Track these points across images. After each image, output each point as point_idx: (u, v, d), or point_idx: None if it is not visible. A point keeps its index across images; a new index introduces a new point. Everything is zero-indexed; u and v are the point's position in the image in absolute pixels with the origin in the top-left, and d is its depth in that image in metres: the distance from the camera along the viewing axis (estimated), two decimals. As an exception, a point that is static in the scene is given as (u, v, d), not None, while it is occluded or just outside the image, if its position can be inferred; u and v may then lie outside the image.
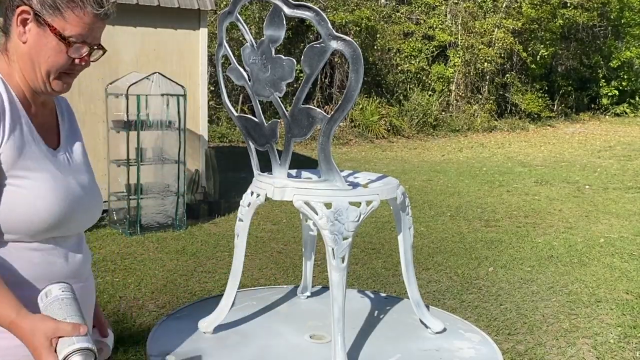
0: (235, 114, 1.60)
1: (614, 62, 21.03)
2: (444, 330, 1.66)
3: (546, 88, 20.21)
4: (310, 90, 10.73)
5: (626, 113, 21.73)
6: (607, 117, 21.33)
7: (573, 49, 21.18)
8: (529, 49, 18.88)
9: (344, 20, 14.85)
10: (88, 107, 6.73)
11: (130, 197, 6.35)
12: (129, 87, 6.16)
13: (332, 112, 1.38)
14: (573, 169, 11.41)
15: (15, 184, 1.25)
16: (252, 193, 1.54)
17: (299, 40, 14.86)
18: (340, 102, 1.35)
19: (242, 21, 1.51)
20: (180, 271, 5.18)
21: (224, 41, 1.57)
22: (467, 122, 17.05)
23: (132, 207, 6.36)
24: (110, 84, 6.55)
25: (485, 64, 17.53)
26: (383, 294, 2.00)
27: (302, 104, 1.40)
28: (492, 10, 18.15)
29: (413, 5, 18.19)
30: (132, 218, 6.33)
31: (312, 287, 1.95)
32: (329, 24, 1.31)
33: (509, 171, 11.02)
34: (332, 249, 1.42)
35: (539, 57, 19.22)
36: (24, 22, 1.26)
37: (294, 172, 1.63)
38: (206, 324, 1.59)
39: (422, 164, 11.82)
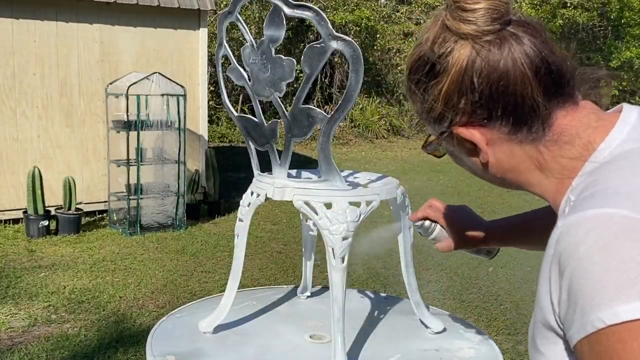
0: (235, 114, 1.60)
1: (614, 62, 21.03)
2: (444, 330, 1.66)
3: (546, 88, 20.19)
4: (310, 90, 10.72)
5: (626, 113, 21.70)
6: (607, 117, 21.31)
7: (573, 49, 21.17)
8: (529, 49, 18.86)
9: (344, 20, 14.85)
10: (88, 107, 6.73)
11: (130, 197, 6.35)
12: (129, 87, 6.16)
13: (332, 112, 1.38)
14: (573, 169, 11.40)
15: None
16: (252, 193, 1.54)
17: (299, 40, 14.86)
18: (340, 102, 1.35)
19: (242, 21, 1.51)
20: (180, 271, 5.18)
21: (224, 41, 1.57)
22: (467, 122, 17.04)
23: (132, 207, 6.36)
24: (110, 84, 6.55)
25: (485, 64, 17.51)
26: (383, 294, 2.00)
27: (302, 104, 1.40)
28: (492, 10, 18.12)
29: (413, 5, 18.18)
30: (132, 218, 6.33)
31: (312, 287, 1.95)
32: (329, 24, 1.30)
33: (509, 171, 11.02)
34: (332, 249, 1.42)
35: (539, 57, 19.19)
36: None
37: (294, 172, 1.63)
38: (206, 324, 1.59)
39: (422, 164, 11.82)
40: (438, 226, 1.35)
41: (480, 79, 0.81)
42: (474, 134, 0.85)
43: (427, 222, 1.36)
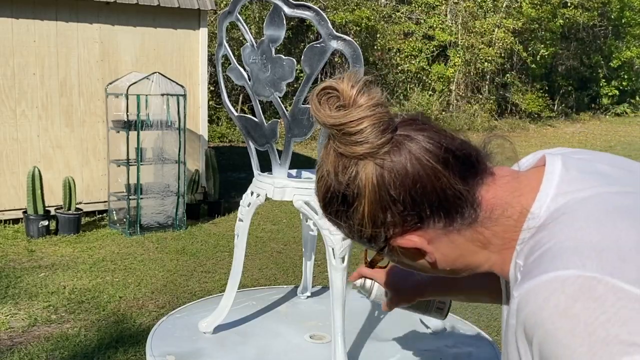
0: (235, 114, 1.60)
1: (614, 61, 21.04)
2: (444, 330, 1.66)
3: (546, 88, 20.21)
4: (310, 90, 10.65)
5: (626, 113, 21.75)
6: (607, 117, 21.33)
7: (573, 48, 21.18)
8: (529, 49, 18.88)
9: (344, 20, 14.85)
10: (88, 107, 6.73)
11: (130, 197, 6.35)
12: (129, 87, 6.16)
13: (332, 112, 1.37)
14: (573, 168, 11.39)
15: None
16: (252, 193, 1.54)
17: (299, 40, 14.86)
18: (340, 102, 1.35)
19: (242, 21, 1.50)
20: (180, 271, 5.18)
21: (224, 41, 1.57)
22: (467, 121, 17.05)
23: (132, 207, 6.36)
24: (110, 84, 6.55)
25: (486, 63, 17.54)
26: (383, 294, 2.00)
27: (302, 104, 1.40)
28: (492, 10, 18.15)
29: (413, 5, 18.18)
30: (132, 218, 6.33)
31: (312, 287, 1.94)
32: (329, 24, 1.30)
33: (509, 171, 11.01)
34: (332, 249, 1.42)
35: (539, 57, 19.21)
36: None
37: (294, 172, 1.63)
38: (206, 324, 1.59)
39: (422, 163, 11.79)
40: (376, 284, 1.33)
41: (397, 190, 0.81)
42: (413, 241, 0.84)
43: (367, 282, 1.33)
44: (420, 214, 0.82)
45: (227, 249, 5.80)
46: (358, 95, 0.80)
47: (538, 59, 19.25)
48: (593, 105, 21.92)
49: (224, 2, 13.00)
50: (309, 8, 1.34)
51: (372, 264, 0.96)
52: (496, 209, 0.83)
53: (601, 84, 21.51)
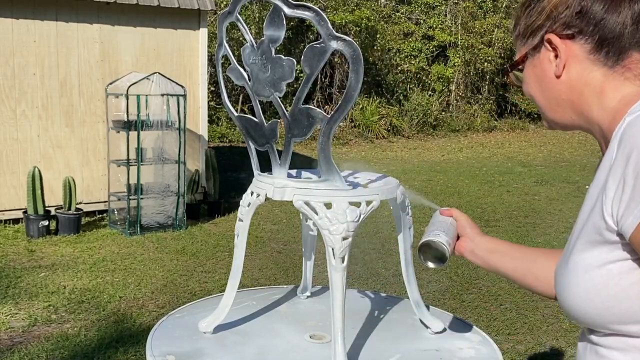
0: (235, 114, 1.60)
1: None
2: (444, 330, 1.66)
3: (546, 88, 20.21)
4: (310, 90, 10.71)
5: (626, 113, 21.74)
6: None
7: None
8: (529, 49, 18.87)
9: (344, 20, 14.85)
10: (88, 107, 6.73)
11: (130, 197, 6.35)
12: (129, 87, 6.16)
13: (332, 112, 1.38)
14: (573, 169, 11.41)
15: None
16: (252, 193, 1.54)
17: (299, 40, 14.86)
18: (340, 102, 1.35)
19: (242, 21, 1.51)
20: (180, 271, 5.18)
21: (224, 41, 1.57)
22: (467, 122, 17.05)
23: (132, 207, 6.36)
24: (110, 84, 6.55)
25: (485, 63, 17.54)
26: (383, 294, 2.00)
27: (302, 104, 1.40)
28: (492, 10, 18.15)
29: (413, 5, 18.18)
30: (132, 218, 6.33)
31: (312, 287, 1.95)
32: (329, 24, 1.30)
33: (509, 171, 11.02)
34: (332, 249, 1.42)
35: (539, 57, 19.20)
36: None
37: (294, 172, 1.63)
38: (206, 324, 1.59)
39: (422, 164, 11.82)
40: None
41: None
42: (562, 42, 0.95)
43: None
44: (583, 26, 0.94)
45: (227, 249, 5.80)
46: None
47: (538, 59, 19.24)
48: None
49: (224, 2, 13.00)
50: (308, 8, 1.34)
51: (511, 66, 1.07)
52: (631, 72, 0.94)
53: None
